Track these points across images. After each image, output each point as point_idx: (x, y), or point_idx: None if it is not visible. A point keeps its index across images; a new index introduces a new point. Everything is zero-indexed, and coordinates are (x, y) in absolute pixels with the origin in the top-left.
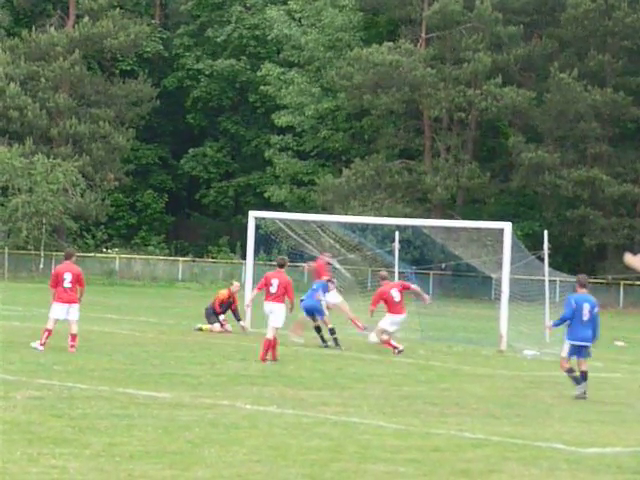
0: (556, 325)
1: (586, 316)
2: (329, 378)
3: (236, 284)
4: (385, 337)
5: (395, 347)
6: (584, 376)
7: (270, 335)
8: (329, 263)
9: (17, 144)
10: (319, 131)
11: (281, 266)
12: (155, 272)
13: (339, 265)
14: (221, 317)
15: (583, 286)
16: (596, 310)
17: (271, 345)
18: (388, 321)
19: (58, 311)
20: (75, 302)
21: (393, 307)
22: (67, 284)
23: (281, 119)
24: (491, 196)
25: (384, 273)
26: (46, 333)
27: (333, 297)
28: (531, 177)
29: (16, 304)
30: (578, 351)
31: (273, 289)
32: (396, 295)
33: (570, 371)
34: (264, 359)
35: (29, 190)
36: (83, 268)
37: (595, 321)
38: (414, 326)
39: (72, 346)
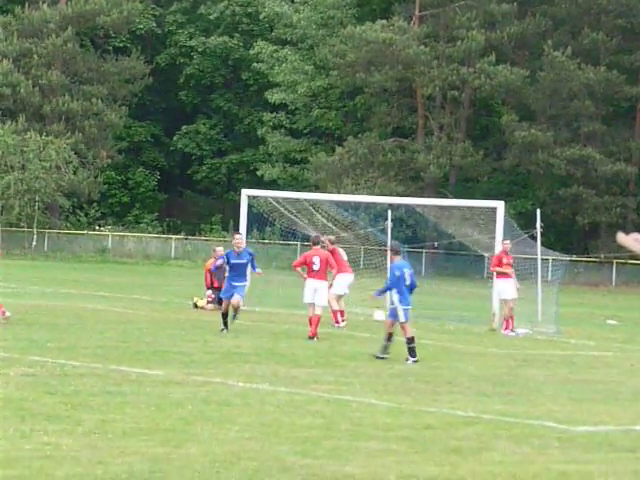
0: (380, 294)
1: (407, 281)
2: (322, 356)
3: (219, 249)
4: (336, 306)
5: (338, 321)
6: (410, 340)
7: (319, 311)
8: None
9: (10, 121)
10: (312, 109)
11: (316, 244)
12: (148, 250)
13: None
14: (208, 292)
15: (397, 254)
16: (412, 274)
17: (318, 321)
18: (341, 284)
19: None
20: None
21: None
22: None
23: (274, 97)
24: (484, 175)
25: (332, 237)
26: None
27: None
28: (524, 156)
29: (9, 281)
30: (406, 315)
31: (316, 267)
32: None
33: (390, 337)
34: (315, 335)
35: (22, 167)
36: (76, 246)
37: (413, 285)
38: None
39: None
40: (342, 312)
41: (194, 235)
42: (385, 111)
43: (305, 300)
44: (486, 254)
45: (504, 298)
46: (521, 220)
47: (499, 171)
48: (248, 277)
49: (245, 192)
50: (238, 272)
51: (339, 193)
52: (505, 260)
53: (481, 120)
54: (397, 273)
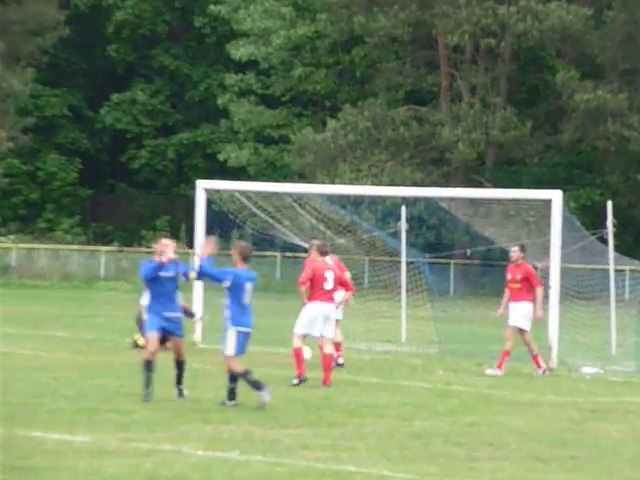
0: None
1: (247, 299)
2: (312, 411)
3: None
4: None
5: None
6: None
7: (330, 349)
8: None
9: None
10: (293, 67)
11: (324, 253)
12: (67, 267)
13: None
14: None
15: (246, 260)
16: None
17: (331, 362)
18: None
19: None
20: None
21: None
22: None
23: (240, 51)
24: (534, 154)
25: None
26: None
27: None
28: (589, 127)
29: None
30: (241, 342)
31: (328, 285)
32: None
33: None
34: (328, 381)
35: None
36: None
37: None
38: (429, 336)
39: None
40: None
41: (131, 246)
42: (395, 69)
43: (301, 330)
44: (538, 264)
45: (513, 325)
46: (586, 217)
47: (554, 149)
48: (199, 305)
49: (202, 184)
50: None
51: (333, 184)
52: (510, 276)
53: (528, 79)
54: (232, 281)
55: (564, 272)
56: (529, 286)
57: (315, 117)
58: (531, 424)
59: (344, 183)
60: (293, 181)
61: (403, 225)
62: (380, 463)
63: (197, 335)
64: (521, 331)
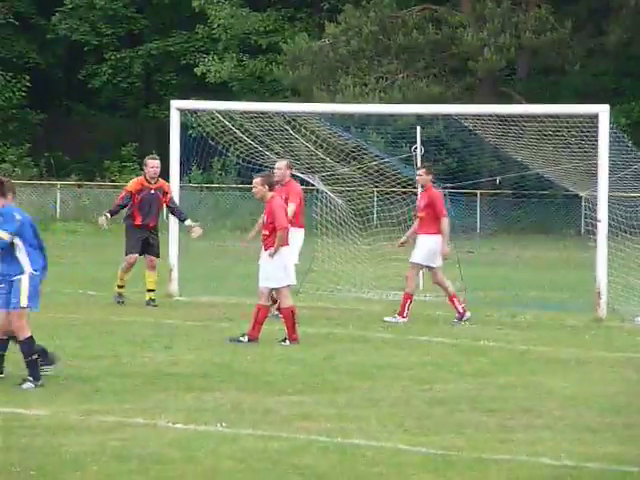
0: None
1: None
2: (313, 373)
3: (151, 162)
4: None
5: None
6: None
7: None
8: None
9: None
10: None
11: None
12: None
13: (323, 184)
14: (106, 215)
15: (4, 195)
16: None
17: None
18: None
19: None
20: None
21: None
22: None
23: None
24: (575, 61)
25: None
26: None
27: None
28: None
29: None
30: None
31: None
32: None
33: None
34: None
35: None
36: None
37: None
38: (453, 282)
39: None
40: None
41: (92, 180)
42: None
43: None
44: (583, 193)
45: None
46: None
47: (599, 54)
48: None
49: (176, 104)
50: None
51: (334, 101)
52: (420, 202)
53: None
54: (18, 218)
55: (614, 202)
56: (435, 215)
57: (310, 21)
58: (577, 386)
59: (346, 101)
60: (285, 99)
61: (419, 149)
62: (395, 435)
63: (173, 285)
64: (429, 269)
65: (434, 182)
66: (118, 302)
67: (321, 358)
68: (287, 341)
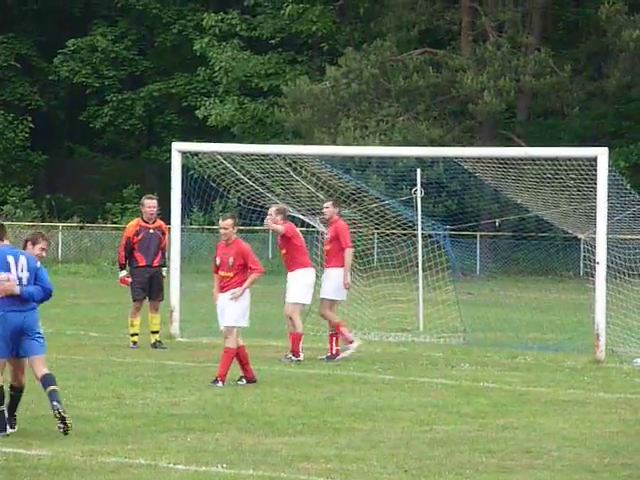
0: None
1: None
2: (314, 415)
3: (148, 202)
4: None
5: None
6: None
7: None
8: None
9: None
10: (283, 4)
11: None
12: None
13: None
14: (122, 273)
15: None
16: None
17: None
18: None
19: None
20: None
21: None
22: None
23: None
24: (574, 104)
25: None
26: None
27: None
28: None
29: None
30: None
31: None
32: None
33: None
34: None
35: None
36: None
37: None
38: (452, 324)
39: None
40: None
41: (94, 222)
42: (406, 3)
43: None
44: (582, 235)
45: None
46: (639, 177)
47: (599, 97)
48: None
49: (177, 146)
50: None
51: (334, 144)
52: (327, 236)
53: (566, 13)
54: None
55: (613, 244)
56: (341, 247)
57: (311, 64)
58: (576, 427)
59: (347, 143)
60: (286, 141)
61: (419, 191)
62: (395, 476)
63: (174, 326)
64: (332, 302)
65: (341, 215)
66: (133, 348)
67: (322, 399)
68: (219, 382)
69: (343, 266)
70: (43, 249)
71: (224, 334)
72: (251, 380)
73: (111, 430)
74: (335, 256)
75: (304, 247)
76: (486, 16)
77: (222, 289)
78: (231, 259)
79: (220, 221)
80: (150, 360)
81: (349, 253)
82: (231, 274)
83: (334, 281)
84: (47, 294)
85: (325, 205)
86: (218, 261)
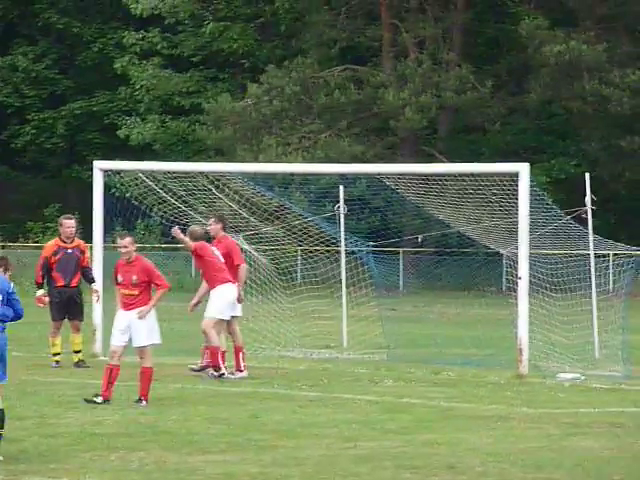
0: None
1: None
2: (238, 432)
3: (66, 222)
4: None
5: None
6: None
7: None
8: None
9: None
10: (204, 22)
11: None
12: None
13: (247, 244)
14: (39, 292)
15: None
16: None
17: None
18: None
19: None
20: None
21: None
22: None
23: (140, 5)
24: (495, 119)
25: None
26: None
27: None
28: (561, 85)
29: None
30: None
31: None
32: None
33: None
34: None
35: None
36: None
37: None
38: (376, 339)
39: None
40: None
41: (16, 241)
42: (327, 20)
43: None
44: (503, 251)
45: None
46: (560, 192)
47: (520, 113)
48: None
49: (99, 165)
50: None
51: (257, 161)
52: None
53: (487, 29)
54: None
55: (535, 259)
56: (232, 264)
57: (233, 81)
58: (500, 442)
59: (270, 160)
60: (208, 159)
61: (342, 208)
62: None
63: (97, 346)
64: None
65: (226, 231)
66: (55, 367)
67: (246, 417)
68: (143, 401)
69: (237, 282)
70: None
71: (138, 354)
72: (106, 400)
73: (35, 450)
74: (228, 273)
75: (219, 263)
76: (407, 33)
77: (127, 306)
78: (134, 277)
79: (118, 240)
80: (73, 379)
81: (244, 269)
82: (136, 292)
83: (227, 298)
84: (17, 316)
85: (209, 222)
86: (120, 279)
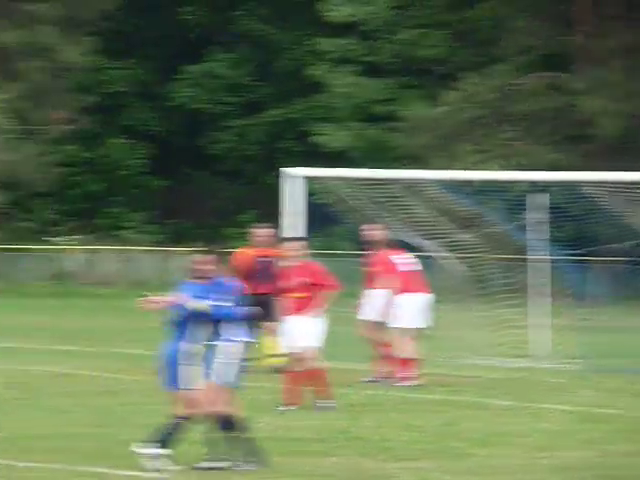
0: None
1: None
2: (432, 440)
3: (258, 231)
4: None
5: None
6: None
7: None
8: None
9: None
10: (398, 29)
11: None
12: (140, 273)
13: (442, 251)
14: None
15: None
16: None
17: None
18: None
19: None
20: None
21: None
22: None
23: (336, 12)
24: None
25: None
26: None
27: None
28: None
29: None
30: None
31: None
32: None
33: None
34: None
35: None
36: (17, 269)
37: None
38: (570, 350)
39: None
40: None
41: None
42: (524, 28)
43: None
44: None
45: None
46: None
47: None
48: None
49: (300, 172)
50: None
51: (452, 169)
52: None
53: None
54: None
55: None
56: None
57: (428, 89)
58: None
59: (465, 167)
60: (403, 166)
61: (541, 216)
62: None
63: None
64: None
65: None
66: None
67: (439, 424)
68: (328, 403)
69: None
70: None
71: (304, 356)
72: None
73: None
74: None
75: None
76: (603, 37)
77: (297, 310)
78: (305, 280)
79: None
80: (268, 384)
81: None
82: (307, 294)
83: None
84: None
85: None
86: (290, 283)
